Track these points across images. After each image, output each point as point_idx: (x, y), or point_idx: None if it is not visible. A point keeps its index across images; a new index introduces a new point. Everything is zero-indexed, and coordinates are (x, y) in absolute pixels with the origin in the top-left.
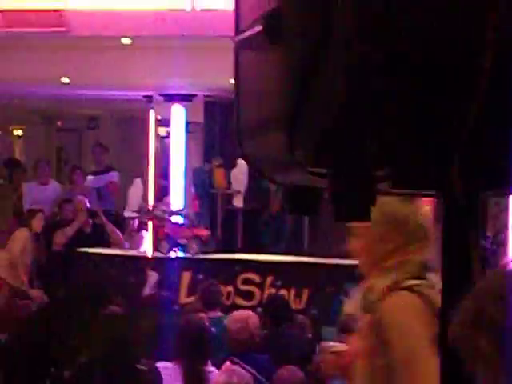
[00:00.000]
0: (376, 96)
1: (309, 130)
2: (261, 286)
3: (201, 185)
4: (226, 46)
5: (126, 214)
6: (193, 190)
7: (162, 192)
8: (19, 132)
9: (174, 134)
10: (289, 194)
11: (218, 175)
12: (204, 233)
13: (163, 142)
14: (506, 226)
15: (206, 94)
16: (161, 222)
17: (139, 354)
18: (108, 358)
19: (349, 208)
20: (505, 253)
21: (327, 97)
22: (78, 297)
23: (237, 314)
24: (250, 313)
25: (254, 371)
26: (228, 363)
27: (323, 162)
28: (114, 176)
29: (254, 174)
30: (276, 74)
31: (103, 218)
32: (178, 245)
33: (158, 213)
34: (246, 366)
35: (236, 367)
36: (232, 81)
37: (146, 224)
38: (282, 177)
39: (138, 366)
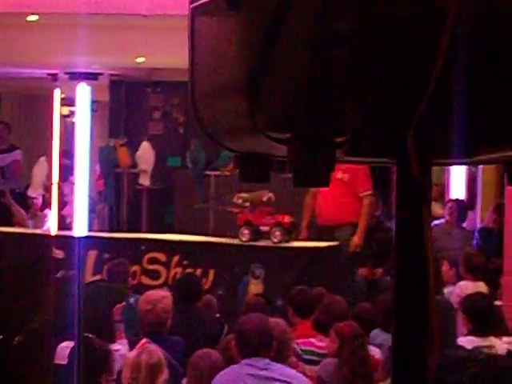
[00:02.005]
0: (338, 66)
1: (270, 96)
2: (167, 265)
3: (106, 163)
4: (133, 25)
5: (30, 192)
6: (98, 168)
7: (67, 171)
8: None
9: (79, 113)
10: (241, 162)
11: (123, 154)
12: (287, 219)
13: (67, 121)
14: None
15: (112, 72)
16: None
17: None
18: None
19: (308, 174)
20: None
21: (289, 64)
22: None
23: (149, 294)
24: (164, 293)
25: (165, 352)
26: (143, 341)
27: (284, 127)
28: (17, 155)
29: (161, 154)
30: (236, 40)
31: (10, 198)
32: (259, 232)
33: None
34: (157, 347)
35: (148, 345)
36: (138, 60)
37: (50, 203)
38: (238, 144)
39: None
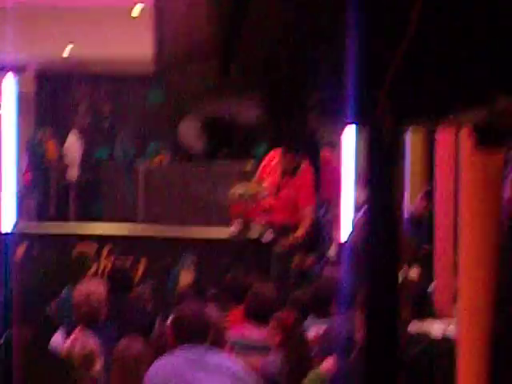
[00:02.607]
0: (314, 30)
1: (246, 55)
2: (97, 255)
3: (34, 157)
4: (60, 17)
5: None
6: (25, 162)
7: None
8: None
9: (5, 106)
10: (209, 128)
11: (50, 147)
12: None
13: None
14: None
15: (38, 65)
16: None
17: None
18: None
19: (285, 136)
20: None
21: (264, 27)
22: None
23: (83, 285)
24: (97, 283)
25: (100, 340)
26: (77, 330)
27: (259, 86)
28: None
29: (88, 146)
30: (207, 1)
31: None
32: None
33: None
34: (91, 335)
35: (81, 335)
36: (65, 53)
37: None
38: (208, 109)
39: None
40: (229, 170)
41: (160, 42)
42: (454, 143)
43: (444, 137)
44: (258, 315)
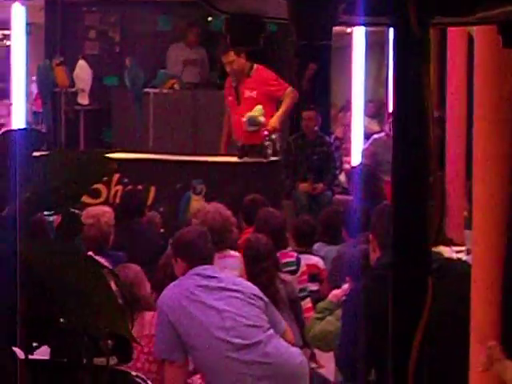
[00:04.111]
0: None
1: None
2: (107, 183)
3: (44, 83)
4: None
5: None
6: (35, 89)
7: (3, 94)
8: None
9: (15, 35)
10: (232, 24)
11: (60, 73)
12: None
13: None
14: (348, 125)
15: None
16: None
17: None
18: None
19: (311, 27)
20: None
21: None
22: None
23: (90, 210)
24: (105, 209)
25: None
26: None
27: None
28: None
29: (97, 74)
30: None
31: None
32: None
33: None
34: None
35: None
36: None
37: None
38: (229, 4)
39: None
40: None
41: None
42: (466, 49)
43: (456, 41)
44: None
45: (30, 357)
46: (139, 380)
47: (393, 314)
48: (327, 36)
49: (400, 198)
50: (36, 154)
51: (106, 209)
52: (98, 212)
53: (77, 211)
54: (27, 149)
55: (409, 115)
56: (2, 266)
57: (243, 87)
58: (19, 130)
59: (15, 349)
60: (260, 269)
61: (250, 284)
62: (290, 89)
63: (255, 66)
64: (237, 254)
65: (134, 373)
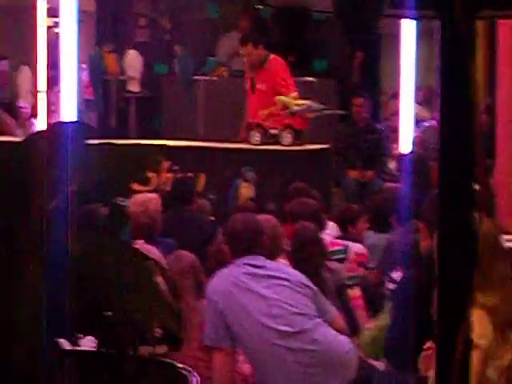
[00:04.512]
0: None
1: None
2: (157, 170)
3: (94, 71)
4: None
5: (19, 102)
6: (86, 77)
7: (54, 81)
8: None
9: (65, 23)
10: (279, 18)
11: (111, 61)
12: (298, 121)
13: (52, 31)
14: (396, 113)
15: None
16: None
17: None
18: None
19: (355, 23)
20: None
21: None
22: None
23: (138, 197)
24: (152, 195)
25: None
26: (139, 243)
27: None
28: (3, 65)
29: (147, 61)
30: None
31: None
32: (270, 135)
33: None
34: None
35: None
36: None
37: (37, 112)
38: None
39: None
40: None
41: None
42: None
43: (505, 31)
44: None
45: (77, 348)
46: (185, 372)
47: (439, 302)
48: (371, 30)
49: (445, 184)
50: (85, 145)
51: (153, 195)
52: (145, 199)
53: (123, 203)
54: (76, 141)
55: (454, 104)
56: (49, 258)
57: (257, 78)
58: (69, 122)
59: (61, 340)
60: (306, 255)
61: (297, 272)
62: (294, 94)
63: (271, 56)
64: (286, 262)
65: (180, 364)
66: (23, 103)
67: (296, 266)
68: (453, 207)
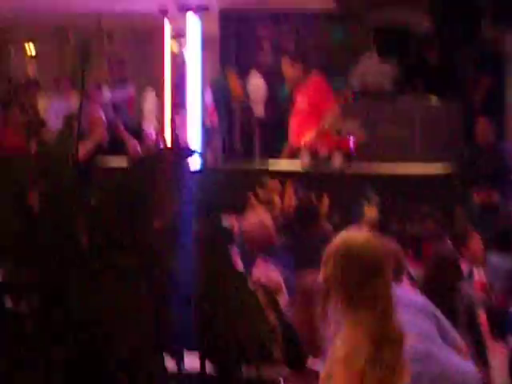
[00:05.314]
0: None
1: None
2: (281, 194)
3: (219, 96)
4: None
5: (144, 126)
6: (210, 101)
7: (178, 105)
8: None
9: (190, 47)
10: (379, 36)
11: (235, 84)
12: (348, 144)
13: (176, 55)
14: None
15: (221, 4)
16: None
17: None
18: None
19: (452, 40)
20: None
21: None
22: None
23: (251, 213)
24: (263, 212)
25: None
26: (258, 261)
27: None
28: (131, 91)
29: (271, 85)
30: None
31: (122, 130)
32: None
33: None
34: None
35: (263, 266)
36: None
37: (164, 137)
38: (377, 18)
39: None
40: (412, 106)
41: None
42: None
43: None
44: None
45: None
46: None
47: None
48: (472, 48)
49: None
50: (193, 171)
51: (264, 212)
52: (258, 213)
53: (228, 224)
54: (184, 167)
55: None
56: (154, 276)
57: (297, 94)
58: (176, 149)
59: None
60: (442, 276)
61: (423, 299)
62: (335, 106)
63: (312, 74)
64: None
65: None
66: (148, 127)
67: (431, 284)
68: None
